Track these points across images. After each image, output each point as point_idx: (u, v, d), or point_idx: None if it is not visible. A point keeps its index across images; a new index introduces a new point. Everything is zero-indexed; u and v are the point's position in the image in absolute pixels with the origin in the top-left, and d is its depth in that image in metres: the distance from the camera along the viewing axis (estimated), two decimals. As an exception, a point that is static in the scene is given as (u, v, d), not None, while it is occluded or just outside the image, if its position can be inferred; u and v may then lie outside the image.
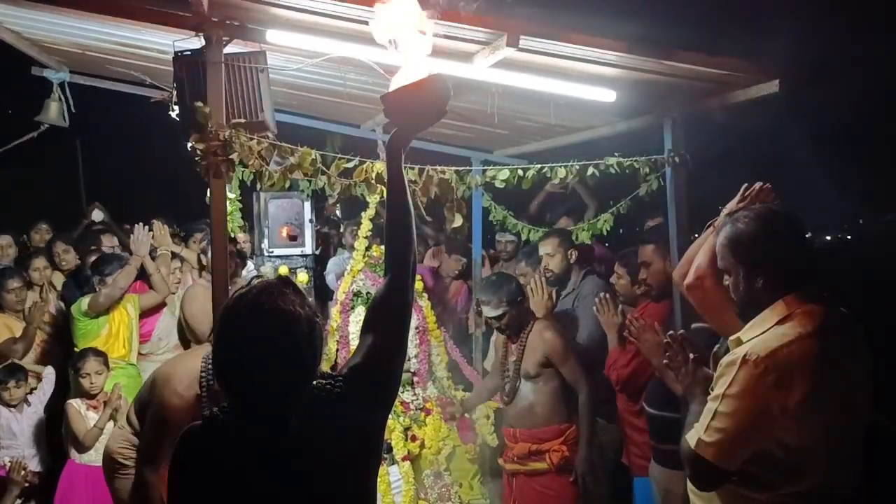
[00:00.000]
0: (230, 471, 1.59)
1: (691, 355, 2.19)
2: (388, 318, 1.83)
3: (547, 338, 3.78)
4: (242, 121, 2.96)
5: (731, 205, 2.47)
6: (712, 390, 1.99)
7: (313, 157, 3.08)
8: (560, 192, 5.41)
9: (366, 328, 1.85)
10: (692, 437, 1.96)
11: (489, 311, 3.85)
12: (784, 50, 3.03)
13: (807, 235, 2.13)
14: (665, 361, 2.27)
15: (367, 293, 4.61)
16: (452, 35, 2.84)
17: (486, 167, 3.74)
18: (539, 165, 3.56)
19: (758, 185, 2.40)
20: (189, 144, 2.95)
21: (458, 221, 3.37)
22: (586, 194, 5.30)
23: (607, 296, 3.79)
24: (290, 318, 1.60)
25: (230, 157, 2.90)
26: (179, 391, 2.97)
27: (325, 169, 3.14)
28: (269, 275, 4.95)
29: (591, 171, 3.55)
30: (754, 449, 1.91)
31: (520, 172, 3.58)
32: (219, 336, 1.66)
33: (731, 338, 2.08)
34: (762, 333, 1.96)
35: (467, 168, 3.48)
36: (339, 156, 3.17)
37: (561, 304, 4.21)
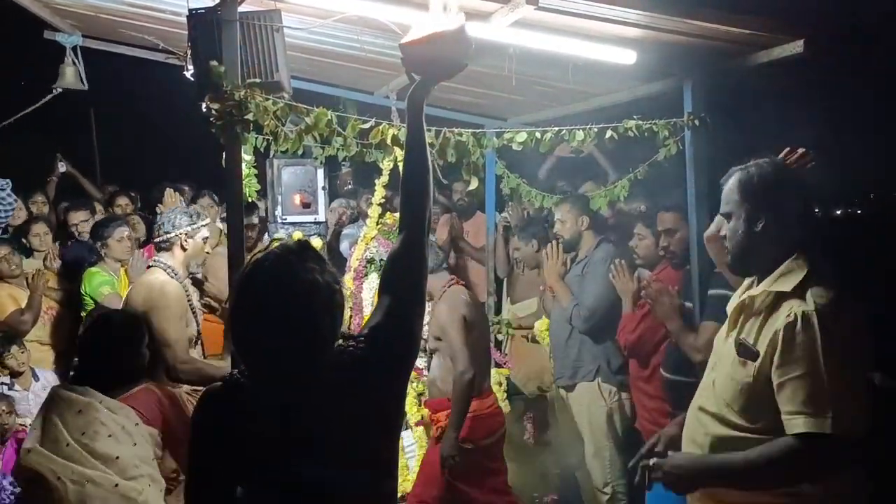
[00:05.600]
0: (250, 432, 1.56)
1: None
2: (405, 275, 1.81)
3: (437, 311, 3.73)
4: (258, 81, 2.92)
5: None
6: (779, 368, 1.90)
7: (329, 117, 3.05)
8: (570, 156, 5.36)
9: (383, 287, 1.82)
10: (813, 425, 1.83)
11: None
12: (812, 7, 2.96)
13: (812, 198, 2.10)
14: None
15: (381, 260, 4.62)
16: (471, -8, 2.80)
17: (503, 129, 3.69)
18: (557, 128, 3.52)
19: (800, 150, 2.36)
20: (203, 105, 2.93)
21: (474, 184, 3.35)
22: (603, 159, 5.25)
23: (623, 261, 3.78)
24: (309, 287, 1.57)
25: (245, 117, 2.87)
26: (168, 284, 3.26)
27: (340, 130, 3.11)
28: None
29: (609, 134, 3.50)
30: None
31: (537, 135, 3.54)
32: (235, 304, 1.63)
33: (755, 291, 2.03)
34: (799, 287, 1.93)
35: (485, 130, 3.44)
36: (356, 117, 3.14)
37: (573, 270, 4.20)
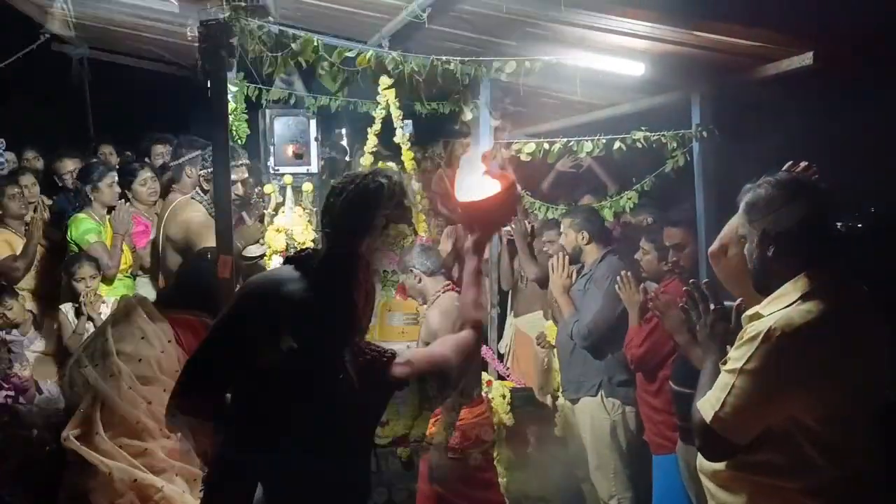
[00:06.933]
0: (285, 314, 1.76)
1: (712, 305, 2.14)
2: (462, 364, 1.94)
3: (429, 316, 3.65)
4: (243, 4, 2.85)
5: None
6: (726, 362, 1.94)
7: (315, 44, 2.97)
8: (571, 171, 5.34)
9: (436, 344, 2.03)
10: (706, 410, 1.92)
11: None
12: (820, 19, 2.95)
13: (831, 212, 2.03)
14: (681, 305, 2.21)
15: (384, 272, 4.56)
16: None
17: (512, 140, 3.69)
18: (566, 139, 3.52)
19: (803, 163, 2.33)
20: (188, 31, 2.90)
21: (468, 115, 3.28)
22: (603, 173, 5.23)
23: (629, 274, 3.75)
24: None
25: (230, 41, 2.80)
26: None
27: (326, 56, 3.01)
28: (276, 189, 4.79)
29: (617, 145, 3.50)
30: (769, 425, 1.88)
31: (545, 146, 3.54)
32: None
33: (749, 312, 2.02)
34: (784, 308, 1.91)
35: (472, 59, 3.28)
36: (342, 43, 3.07)
37: (577, 283, 4.19)
